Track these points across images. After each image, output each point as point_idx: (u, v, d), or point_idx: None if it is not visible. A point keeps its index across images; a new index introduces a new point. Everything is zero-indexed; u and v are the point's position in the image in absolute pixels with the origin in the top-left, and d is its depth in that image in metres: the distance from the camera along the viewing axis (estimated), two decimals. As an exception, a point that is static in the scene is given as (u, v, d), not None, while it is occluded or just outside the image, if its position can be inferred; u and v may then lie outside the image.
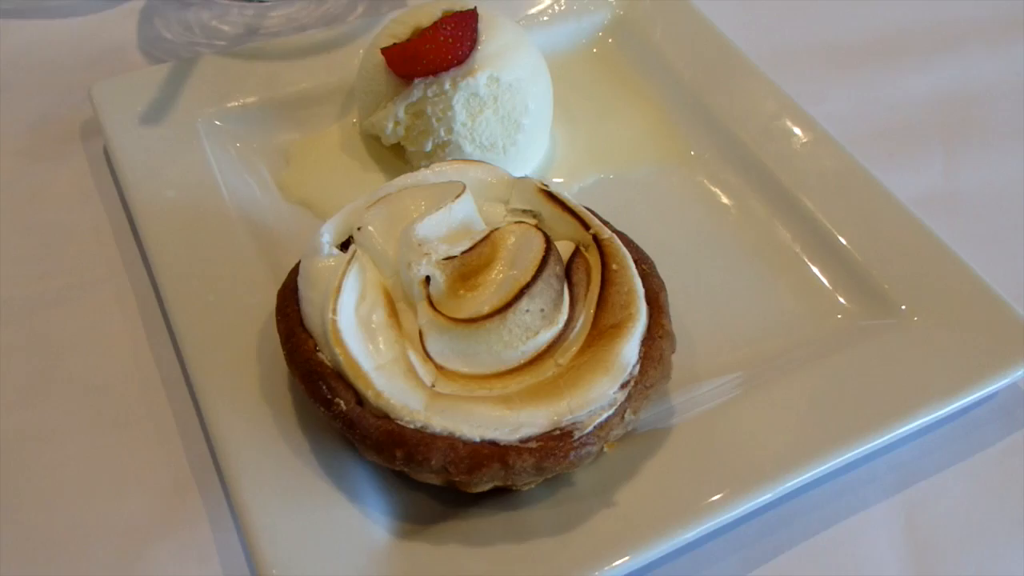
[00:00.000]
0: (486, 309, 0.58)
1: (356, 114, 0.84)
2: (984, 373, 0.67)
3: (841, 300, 0.74)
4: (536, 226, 0.65)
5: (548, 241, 0.60)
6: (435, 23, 0.73)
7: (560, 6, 0.95)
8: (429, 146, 0.76)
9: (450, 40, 0.71)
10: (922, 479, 0.68)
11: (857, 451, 0.63)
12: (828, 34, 1.03)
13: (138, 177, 0.76)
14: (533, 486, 0.59)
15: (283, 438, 0.61)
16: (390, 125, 0.77)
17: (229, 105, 0.83)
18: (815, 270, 0.76)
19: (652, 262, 0.67)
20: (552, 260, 0.60)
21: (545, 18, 0.94)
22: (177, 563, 0.61)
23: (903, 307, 0.72)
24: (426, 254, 0.59)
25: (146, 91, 0.83)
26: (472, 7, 0.75)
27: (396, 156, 0.82)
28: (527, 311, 0.58)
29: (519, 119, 0.77)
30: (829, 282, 0.75)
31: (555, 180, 0.82)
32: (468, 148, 0.76)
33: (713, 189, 0.82)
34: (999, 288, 0.71)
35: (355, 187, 0.78)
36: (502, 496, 0.60)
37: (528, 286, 0.58)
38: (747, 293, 0.75)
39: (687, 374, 0.69)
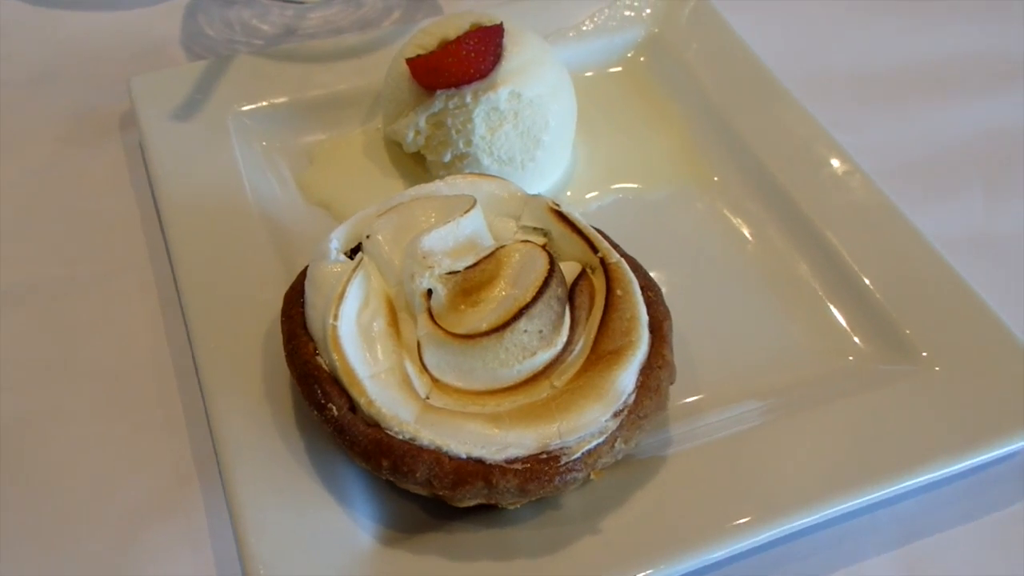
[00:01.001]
0: (484, 326, 0.58)
1: (381, 120, 0.85)
2: (1004, 431, 0.65)
3: (857, 341, 0.73)
4: (543, 246, 0.65)
5: (552, 262, 0.61)
6: (459, 37, 0.73)
7: (595, 22, 0.95)
8: (448, 157, 0.77)
9: (473, 55, 0.72)
10: (927, 535, 0.65)
11: (859, 500, 0.62)
12: (869, 62, 1.01)
13: (167, 170, 0.78)
14: (519, 505, 0.59)
15: (280, 436, 0.62)
16: (411, 134, 0.77)
17: (259, 104, 0.85)
18: (832, 308, 0.75)
19: (659, 289, 0.66)
20: (554, 282, 0.60)
21: (574, 33, 0.93)
22: (171, 550, 0.62)
23: (924, 354, 0.70)
24: (429, 267, 0.60)
25: (182, 87, 0.85)
26: (499, 22, 0.75)
27: (417, 164, 0.82)
28: (525, 331, 0.58)
29: (539, 135, 0.77)
30: (846, 321, 0.74)
31: (572, 197, 0.82)
32: (486, 161, 0.76)
33: (733, 216, 0.81)
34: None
35: (375, 192, 0.79)
36: (488, 512, 0.60)
37: (527, 307, 0.58)
38: (758, 326, 0.74)
39: (689, 404, 0.69)
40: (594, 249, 0.65)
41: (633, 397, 0.59)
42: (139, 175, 0.85)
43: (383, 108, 0.83)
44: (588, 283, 0.64)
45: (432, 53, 0.73)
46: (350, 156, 0.84)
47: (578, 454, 0.56)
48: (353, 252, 0.65)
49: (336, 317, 0.59)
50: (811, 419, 0.66)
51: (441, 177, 0.69)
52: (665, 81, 0.92)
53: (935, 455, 0.64)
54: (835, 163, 0.82)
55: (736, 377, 0.70)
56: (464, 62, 0.72)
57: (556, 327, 0.60)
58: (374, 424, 0.57)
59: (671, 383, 0.62)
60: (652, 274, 0.69)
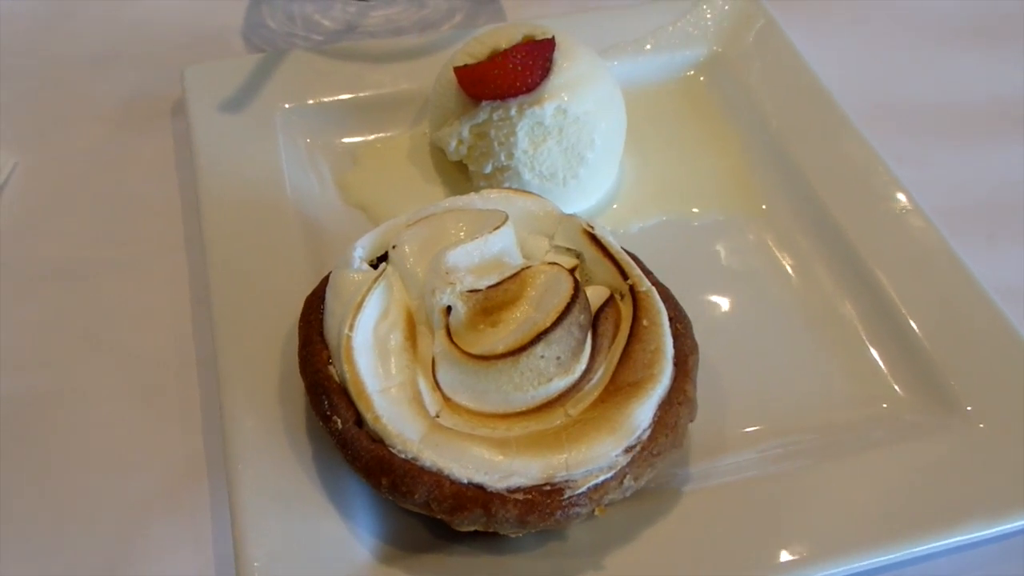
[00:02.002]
0: (500, 349, 0.57)
1: (428, 125, 0.84)
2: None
3: (897, 388, 0.70)
4: (573, 269, 0.64)
5: (576, 288, 0.59)
6: (507, 49, 0.72)
7: (657, 39, 0.92)
8: (489, 168, 0.76)
9: (519, 68, 0.70)
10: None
11: (882, 558, 0.59)
12: (941, 96, 0.97)
13: (210, 160, 0.79)
14: (522, 534, 0.57)
15: (290, 440, 0.62)
16: (454, 142, 0.76)
17: (307, 101, 0.84)
18: (873, 351, 0.72)
19: (689, 322, 0.64)
20: (576, 308, 0.58)
21: (634, 48, 0.91)
22: (173, 544, 0.63)
23: (968, 408, 0.66)
24: (451, 283, 0.59)
25: (234, 78, 0.85)
26: (551, 36, 0.74)
27: (460, 172, 0.81)
28: (542, 356, 0.57)
29: (583, 152, 0.75)
30: (887, 367, 0.71)
31: (616, 216, 0.80)
32: (527, 176, 0.75)
33: (780, 248, 0.78)
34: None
35: (414, 198, 0.78)
36: (491, 538, 0.58)
37: (546, 332, 0.57)
38: (794, 364, 0.71)
39: (713, 440, 0.66)
40: (624, 276, 0.63)
41: (648, 433, 0.57)
42: (185, 163, 0.85)
43: (430, 114, 0.82)
44: (615, 310, 0.62)
45: (479, 64, 0.72)
46: (394, 160, 0.83)
47: (583, 488, 0.54)
48: (381, 261, 0.64)
49: (352, 327, 0.58)
50: (839, 467, 0.64)
51: (478, 189, 0.68)
52: (723, 102, 0.89)
53: (969, 517, 0.61)
54: (892, 199, 0.78)
55: (765, 416, 0.68)
56: (510, 75, 0.70)
57: (575, 354, 0.58)
58: (379, 440, 0.56)
59: (691, 420, 0.60)
60: (689, 302, 0.67)
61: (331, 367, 0.59)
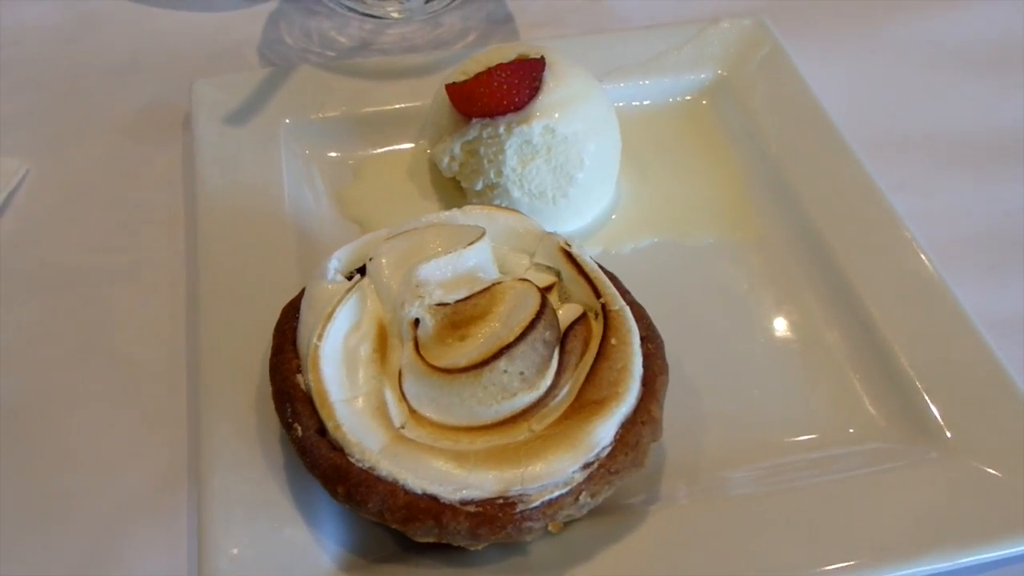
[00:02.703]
0: (464, 362, 0.58)
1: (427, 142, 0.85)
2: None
3: (878, 417, 0.69)
4: (548, 288, 0.65)
5: (543, 304, 0.59)
6: (492, 68, 0.73)
7: (663, 62, 0.92)
8: (479, 186, 0.77)
9: (505, 86, 0.71)
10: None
11: (849, 584, 0.58)
12: (950, 125, 0.95)
13: (210, 172, 0.81)
14: (481, 547, 0.58)
15: (262, 448, 0.63)
16: (446, 159, 0.78)
17: (311, 116, 0.86)
18: (857, 380, 0.71)
19: (661, 343, 0.64)
20: (542, 325, 0.58)
21: (640, 72, 0.92)
22: (148, 548, 0.64)
23: (949, 438, 0.66)
24: (420, 296, 0.59)
25: (241, 92, 0.87)
26: (540, 56, 0.75)
27: (456, 189, 0.82)
28: (505, 371, 0.57)
29: (572, 172, 0.76)
30: (870, 396, 0.70)
31: (608, 236, 0.80)
32: (516, 194, 0.76)
33: (771, 274, 0.78)
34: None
35: (409, 214, 0.77)
36: (454, 551, 0.59)
37: (509, 347, 0.57)
38: (776, 391, 0.70)
39: (686, 462, 0.66)
40: (597, 294, 0.63)
41: (608, 451, 0.57)
42: (191, 174, 0.87)
43: (428, 131, 0.83)
44: (585, 328, 0.62)
45: (467, 81, 0.73)
46: (393, 175, 0.85)
47: (537, 503, 0.54)
48: (362, 273, 0.65)
49: (320, 337, 0.59)
50: (813, 493, 0.63)
51: (460, 207, 0.69)
52: (724, 126, 0.89)
53: (945, 545, 0.60)
54: (887, 229, 0.77)
55: (743, 440, 0.68)
56: (496, 93, 0.71)
57: (540, 370, 0.59)
58: (339, 449, 0.56)
59: (655, 440, 0.59)
60: (675, 324, 0.68)
61: (299, 376, 0.60)
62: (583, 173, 0.76)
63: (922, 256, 0.75)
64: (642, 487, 0.64)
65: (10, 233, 0.84)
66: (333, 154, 0.86)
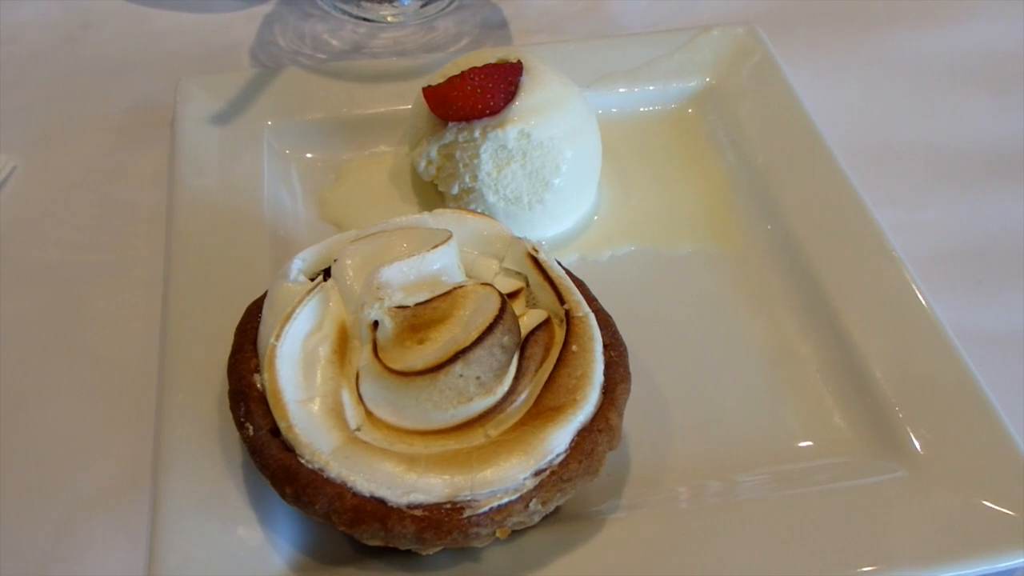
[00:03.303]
0: (419, 366, 0.57)
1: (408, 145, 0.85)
2: (987, 548, 0.59)
3: (848, 430, 0.68)
4: (516, 293, 0.64)
5: (503, 309, 0.59)
6: (465, 71, 0.72)
7: (653, 69, 0.92)
8: (456, 190, 0.77)
9: (478, 91, 0.71)
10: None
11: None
12: (943, 140, 0.93)
13: (190, 170, 0.81)
14: (431, 552, 0.57)
15: (222, 448, 0.63)
16: (423, 163, 0.77)
17: (294, 118, 0.87)
18: (829, 394, 0.70)
19: (625, 351, 0.64)
20: (499, 330, 0.58)
21: (628, 79, 0.91)
22: (107, 542, 0.64)
23: (920, 452, 0.65)
24: (380, 299, 0.59)
25: (227, 93, 0.88)
26: (516, 60, 0.74)
27: (436, 193, 0.82)
28: (461, 375, 0.57)
29: (548, 178, 0.75)
30: (841, 410, 0.69)
31: (587, 242, 0.80)
32: (491, 199, 0.75)
33: (748, 285, 0.77)
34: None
35: (387, 217, 0.78)
36: (406, 555, 0.59)
37: (465, 351, 0.57)
38: (745, 402, 0.70)
39: (651, 471, 0.65)
40: (561, 300, 0.63)
41: (562, 458, 0.56)
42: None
43: (408, 134, 0.83)
44: (547, 334, 0.62)
45: (441, 84, 0.73)
46: (374, 178, 0.85)
47: (485, 509, 0.54)
48: (328, 275, 0.65)
49: (278, 337, 0.59)
50: (775, 505, 0.62)
51: (430, 211, 0.69)
52: (709, 135, 0.89)
53: (908, 563, 0.59)
54: (868, 242, 0.76)
55: (709, 450, 0.67)
56: (470, 96, 0.71)
57: (498, 375, 0.58)
58: (291, 449, 0.56)
59: (611, 448, 0.59)
60: (648, 332, 0.68)
61: (256, 375, 0.60)
62: (559, 179, 0.76)
63: (903, 270, 0.74)
64: (602, 496, 0.63)
65: (-2, 229, 0.85)
66: (315, 156, 0.86)
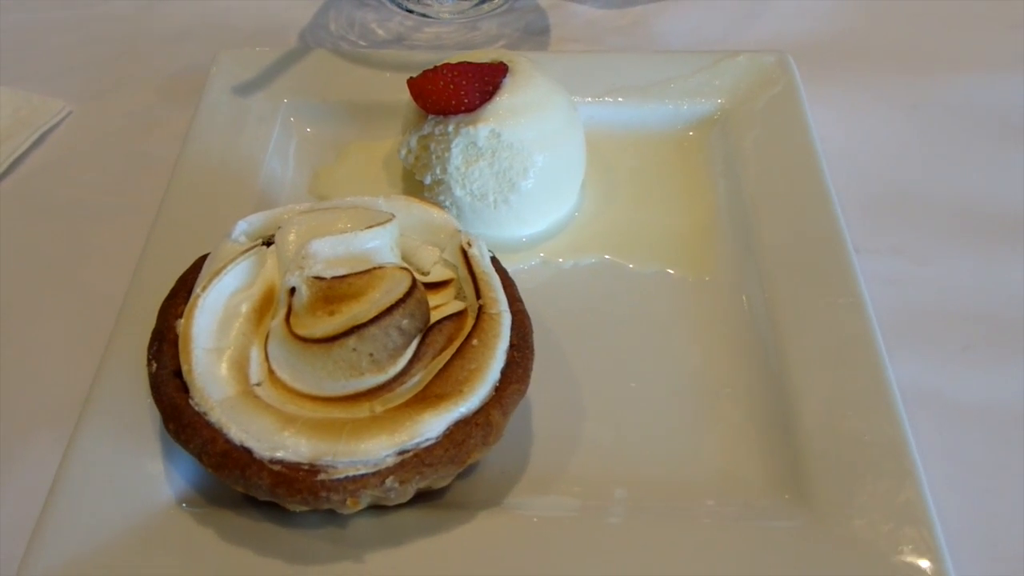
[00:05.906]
0: (318, 334, 0.60)
1: (403, 133, 0.89)
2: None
3: (758, 469, 0.66)
4: (445, 281, 0.67)
5: (408, 294, 0.61)
6: (439, 66, 0.75)
7: (666, 89, 0.92)
8: (428, 180, 0.79)
9: (451, 86, 0.73)
10: None
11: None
12: (968, 195, 0.89)
13: (203, 132, 0.87)
14: (296, 510, 0.60)
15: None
16: (404, 151, 0.81)
17: (311, 97, 0.91)
18: (753, 433, 0.68)
19: (531, 355, 0.65)
20: (400, 312, 0.60)
21: (640, 95, 0.91)
22: (43, 460, 0.68)
23: (826, 505, 0.63)
24: (301, 267, 0.62)
25: (256, 66, 0.94)
26: (499, 61, 0.77)
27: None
28: (354, 350, 0.60)
29: (515, 180, 0.77)
30: (761, 452, 0.67)
31: (553, 248, 0.81)
32: (458, 192, 0.78)
33: (705, 314, 0.76)
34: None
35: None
36: (282, 510, 0.62)
37: (360, 327, 0.59)
38: (664, 428, 0.69)
39: (542, 476, 0.66)
40: (478, 295, 0.65)
41: (430, 444, 0.58)
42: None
43: (402, 123, 0.86)
44: (456, 325, 0.64)
45: (419, 77, 0.76)
46: (369, 162, 0.88)
47: (340, 476, 0.56)
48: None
49: (204, 289, 0.63)
50: (651, 529, 0.62)
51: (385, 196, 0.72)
52: (708, 159, 0.88)
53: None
54: (841, 291, 0.73)
55: (611, 468, 0.66)
56: (442, 91, 0.74)
57: (392, 356, 0.61)
58: (186, 391, 0.60)
59: (486, 444, 0.60)
60: (584, 344, 0.71)
61: (179, 321, 0.64)
62: (527, 182, 0.77)
63: (867, 323, 0.71)
64: (486, 492, 0.64)
65: (39, 165, 0.93)
66: (321, 134, 0.91)
